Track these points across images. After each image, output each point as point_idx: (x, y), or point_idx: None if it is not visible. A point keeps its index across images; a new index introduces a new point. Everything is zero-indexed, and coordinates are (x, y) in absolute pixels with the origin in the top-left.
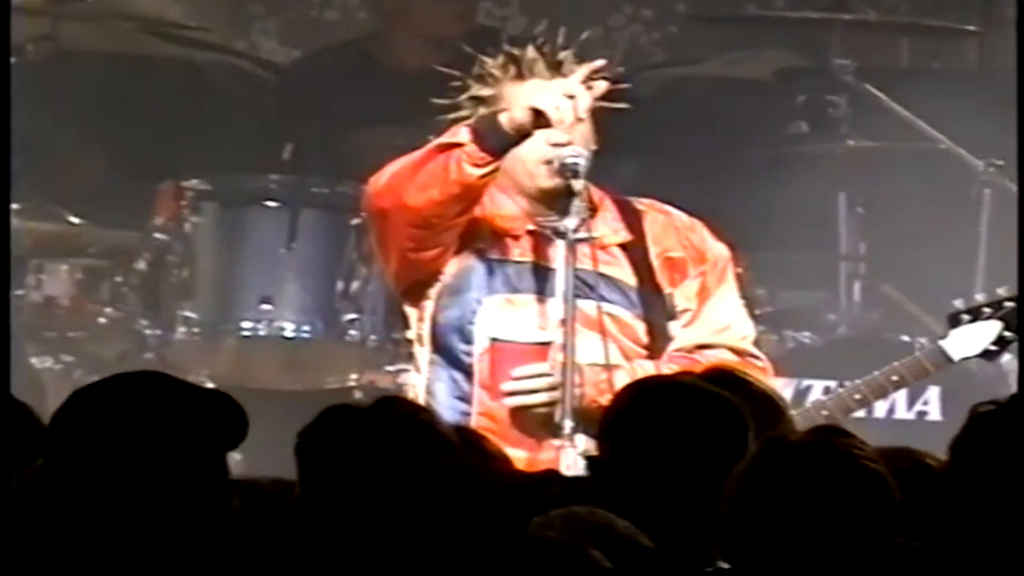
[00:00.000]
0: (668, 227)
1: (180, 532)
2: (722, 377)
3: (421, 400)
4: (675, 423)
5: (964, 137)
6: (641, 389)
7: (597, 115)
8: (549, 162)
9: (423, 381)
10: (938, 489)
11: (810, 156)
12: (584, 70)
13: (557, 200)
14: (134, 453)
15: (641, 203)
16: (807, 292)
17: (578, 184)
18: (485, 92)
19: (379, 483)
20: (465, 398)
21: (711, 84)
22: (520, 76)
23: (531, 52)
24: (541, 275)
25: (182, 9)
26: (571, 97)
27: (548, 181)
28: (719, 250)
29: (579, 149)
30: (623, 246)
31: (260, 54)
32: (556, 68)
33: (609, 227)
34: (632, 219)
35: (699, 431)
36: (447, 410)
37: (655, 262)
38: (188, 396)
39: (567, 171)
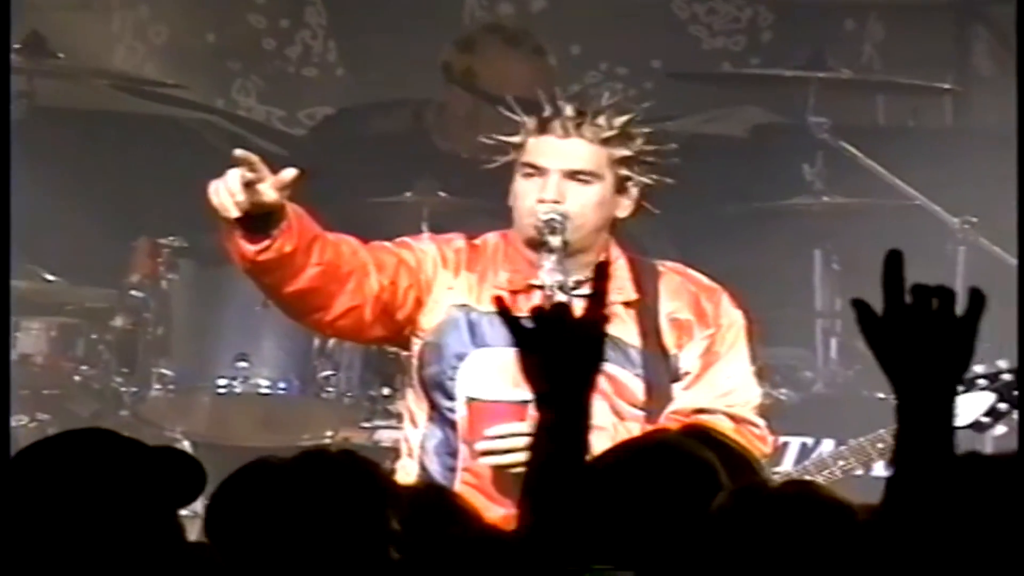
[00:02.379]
0: (681, 289)
1: None
2: (698, 436)
3: (415, 455)
4: (647, 480)
5: (939, 194)
6: (620, 450)
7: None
8: (532, 213)
9: (419, 436)
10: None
11: (786, 212)
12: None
13: (544, 248)
14: (77, 510)
15: (664, 265)
16: (783, 349)
17: (555, 240)
18: (516, 140)
19: (295, 539)
20: (453, 454)
21: (687, 140)
22: (543, 130)
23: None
24: None
25: (158, 66)
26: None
27: (533, 232)
28: (734, 316)
29: (559, 207)
30: (630, 305)
31: (239, 112)
32: (576, 126)
33: (615, 287)
34: (646, 279)
35: (670, 488)
36: (437, 465)
37: (663, 323)
38: (134, 453)
39: (545, 227)
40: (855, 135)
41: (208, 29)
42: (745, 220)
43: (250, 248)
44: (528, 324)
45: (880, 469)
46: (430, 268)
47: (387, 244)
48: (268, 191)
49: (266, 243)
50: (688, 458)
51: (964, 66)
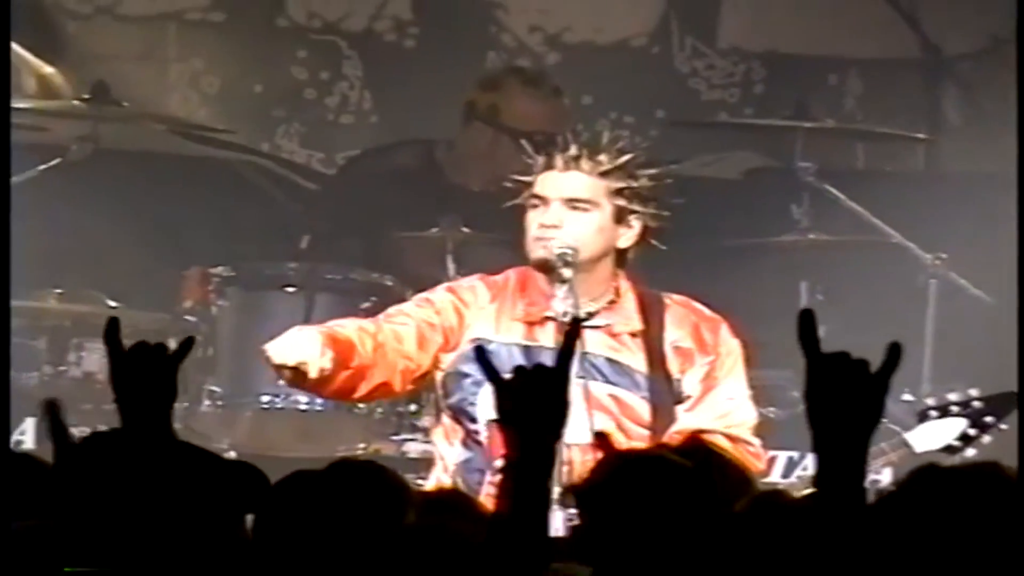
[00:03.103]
0: (684, 320)
1: None
2: (693, 451)
3: (449, 471)
4: (642, 492)
5: (913, 232)
6: (613, 464)
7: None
8: (537, 239)
9: (453, 454)
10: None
11: (775, 247)
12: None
13: (554, 280)
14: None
15: (672, 298)
16: (772, 371)
17: (567, 272)
18: (528, 179)
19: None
20: (482, 470)
21: (688, 182)
22: (548, 167)
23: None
24: (536, 354)
25: (210, 113)
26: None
27: (539, 254)
28: (732, 345)
29: (567, 240)
30: (636, 334)
31: (282, 154)
32: (575, 160)
33: (623, 317)
34: (652, 311)
35: (664, 499)
36: (468, 480)
37: (667, 350)
38: (213, 464)
39: (558, 260)
40: (838, 178)
41: (255, 80)
42: (739, 254)
43: (296, 381)
44: (508, 377)
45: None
46: (453, 317)
47: (406, 308)
48: (312, 372)
49: (308, 383)
50: (681, 473)
51: (935, 117)
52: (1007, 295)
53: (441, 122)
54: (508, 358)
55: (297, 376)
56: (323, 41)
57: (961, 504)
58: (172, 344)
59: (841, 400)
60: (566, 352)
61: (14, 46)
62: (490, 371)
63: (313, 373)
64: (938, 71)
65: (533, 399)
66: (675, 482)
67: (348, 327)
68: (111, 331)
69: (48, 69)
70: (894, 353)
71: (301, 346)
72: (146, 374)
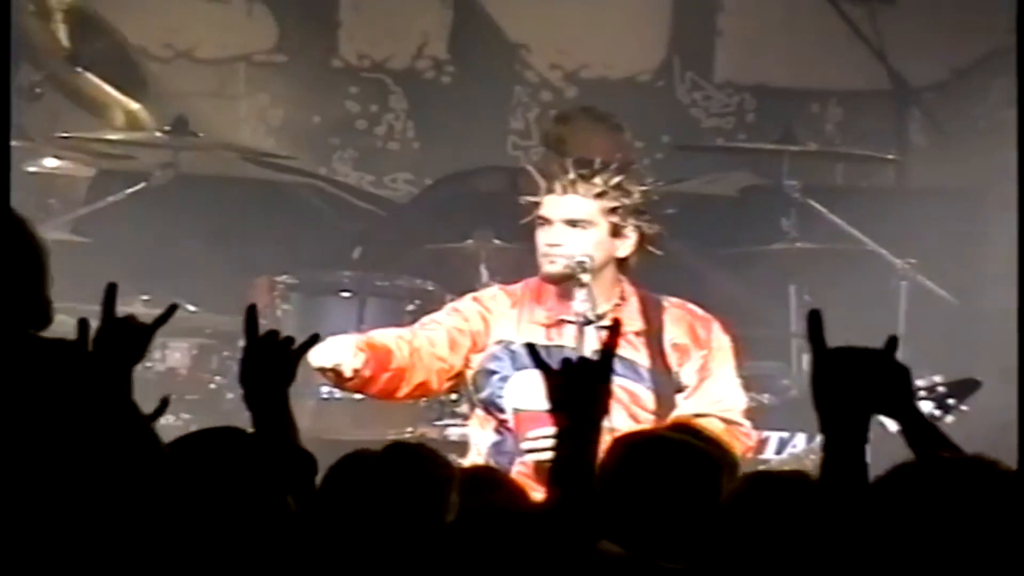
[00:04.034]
0: (681, 320)
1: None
2: (684, 429)
3: (483, 454)
4: (652, 470)
5: (885, 240)
6: (624, 444)
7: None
8: (544, 255)
9: (486, 440)
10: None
11: (768, 255)
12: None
13: (571, 287)
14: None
15: (669, 301)
16: (766, 362)
17: (585, 277)
18: (537, 199)
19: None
20: (510, 453)
21: (690, 198)
22: (551, 191)
23: (558, 174)
24: (556, 353)
25: (275, 141)
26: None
27: (547, 269)
28: (723, 341)
29: (573, 253)
30: (639, 333)
31: (337, 177)
32: (572, 185)
33: (628, 318)
34: (652, 313)
35: (671, 473)
36: (499, 462)
37: (666, 347)
38: (260, 446)
39: (578, 267)
40: (820, 194)
41: (314, 113)
42: (736, 261)
43: (339, 382)
44: (554, 365)
45: None
46: (480, 323)
47: (438, 317)
48: (347, 372)
49: (352, 382)
50: (686, 449)
51: (903, 140)
52: (967, 295)
53: (475, 148)
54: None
55: (337, 377)
56: (372, 78)
57: (947, 490)
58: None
59: (845, 386)
60: (609, 348)
61: (105, 86)
62: (542, 364)
63: (348, 373)
64: (905, 100)
65: (582, 387)
66: (689, 461)
67: (386, 335)
68: (251, 320)
69: (134, 105)
70: (891, 344)
71: (334, 351)
72: (274, 362)
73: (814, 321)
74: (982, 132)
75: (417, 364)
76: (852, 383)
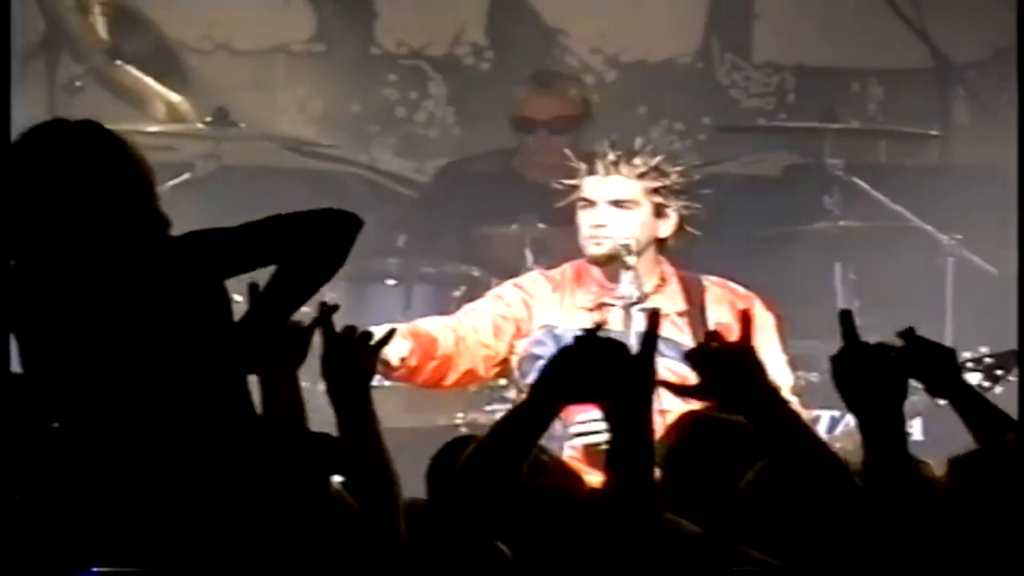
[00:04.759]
0: (723, 299)
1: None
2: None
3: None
4: (720, 450)
5: (930, 217)
6: (691, 425)
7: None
8: (590, 237)
9: None
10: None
11: (812, 234)
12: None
13: (615, 269)
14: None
15: (709, 279)
16: (813, 341)
17: (631, 260)
18: (573, 182)
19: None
20: (559, 437)
21: (733, 179)
22: (592, 172)
23: (599, 155)
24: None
25: (316, 131)
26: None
27: (593, 251)
28: (765, 317)
29: (618, 233)
30: (682, 314)
31: (379, 164)
32: (615, 166)
33: (670, 299)
34: (694, 292)
35: (735, 453)
36: (548, 447)
37: (710, 326)
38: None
39: (623, 249)
40: (863, 172)
41: (353, 102)
42: (781, 240)
43: (386, 372)
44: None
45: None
46: (522, 309)
47: (481, 304)
48: (394, 360)
49: (399, 372)
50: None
51: (946, 117)
52: (1012, 269)
53: (514, 133)
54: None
55: (384, 367)
56: (410, 66)
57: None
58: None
59: (873, 385)
60: (651, 333)
61: (146, 78)
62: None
63: (395, 362)
64: (948, 78)
65: (627, 376)
66: (740, 437)
67: (431, 324)
68: (326, 316)
69: (175, 97)
70: (910, 340)
71: None
72: (356, 357)
73: (847, 321)
74: (1018, 108)
75: (463, 351)
76: (871, 382)
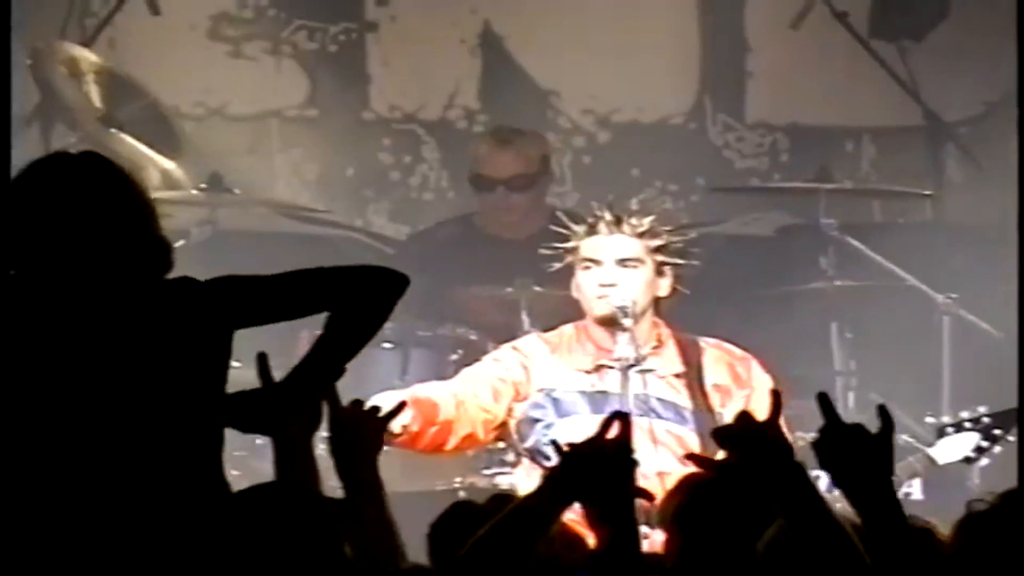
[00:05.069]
0: (720, 360)
1: None
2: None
3: None
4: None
5: (925, 275)
6: (692, 487)
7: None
8: (599, 297)
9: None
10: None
11: (807, 294)
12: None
13: (610, 332)
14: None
15: (706, 342)
16: (811, 401)
17: (627, 322)
18: (569, 245)
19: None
20: None
21: (728, 240)
22: (591, 233)
23: (598, 215)
24: (599, 399)
25: (310, 195)
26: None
27: (603, 311)
28: (763, 379)
29: (625, 293)
30: (680, 376)
31: (373, 229)
32: (616, 225)
33: (667, 361)
34: (691, 354)
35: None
36: None
37: (708, 388)
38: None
39: (620, 312)
40: (858, 231)
41: (347, 166)
42: (777, 300)
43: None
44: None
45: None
46: (520, 372)
47: (479, 368)
48: (395, 427)
49: (400, 438)
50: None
51: (939, 175)
52: (1009, 327)
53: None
54: (573, 405)
55: (386, 434)
56: (404, 130)
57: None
58: None
59: (858, 464)
60: (624, 441)
61: (140, 146)
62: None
63: (396, 429)
64: (940, 136)
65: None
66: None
67: (430, 389)
68: (332, 392)
69: (169, 164)
70: (886, 416)
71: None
72: (363, 431)
73: (825, 403)
74: (1018, 164)
75: (463, 416)
76: (855, 461)
